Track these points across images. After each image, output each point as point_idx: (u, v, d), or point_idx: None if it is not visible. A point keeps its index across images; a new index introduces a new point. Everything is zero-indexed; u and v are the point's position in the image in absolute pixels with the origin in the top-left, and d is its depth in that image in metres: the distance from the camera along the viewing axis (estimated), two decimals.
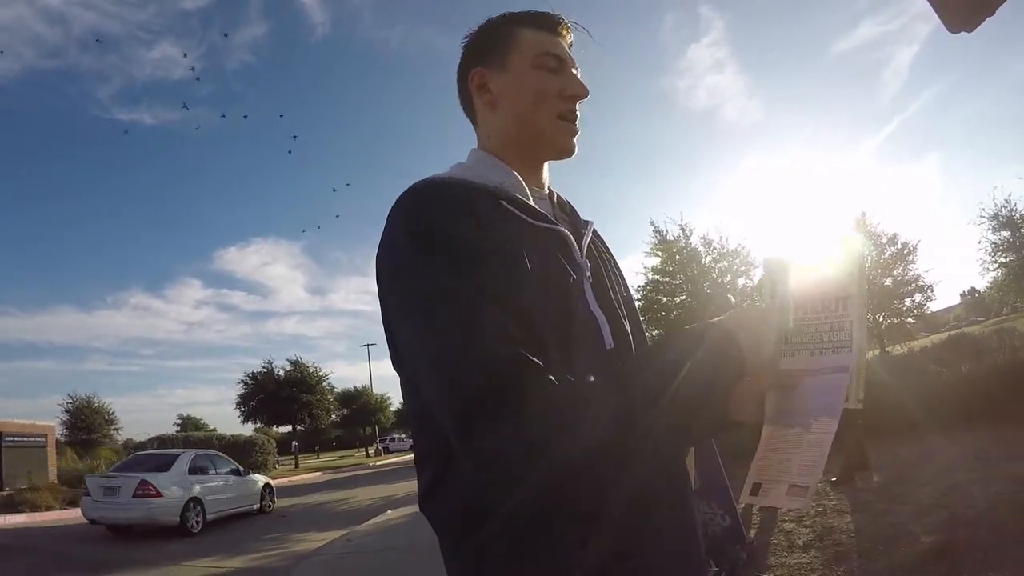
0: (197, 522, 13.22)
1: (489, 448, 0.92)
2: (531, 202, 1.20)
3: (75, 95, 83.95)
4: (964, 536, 4.79)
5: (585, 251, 1.24)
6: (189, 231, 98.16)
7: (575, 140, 1.27)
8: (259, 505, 16.42)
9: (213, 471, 15.06)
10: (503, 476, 0.94)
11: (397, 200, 1.12)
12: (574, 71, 1.26)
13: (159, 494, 12.60)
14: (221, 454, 17.37)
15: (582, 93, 1.24)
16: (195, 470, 14.25)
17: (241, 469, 16.59)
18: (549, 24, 1.28)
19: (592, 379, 0.98)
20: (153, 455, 15.80)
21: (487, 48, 1.29)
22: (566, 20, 1.30)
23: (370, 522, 11.61)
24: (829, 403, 0.97)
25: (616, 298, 1.27)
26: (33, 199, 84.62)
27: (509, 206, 1.15)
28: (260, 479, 17.28)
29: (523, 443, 0.90)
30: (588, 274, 1.20)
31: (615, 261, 1.42)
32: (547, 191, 1.34)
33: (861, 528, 5.63)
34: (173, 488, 13.04)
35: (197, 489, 13.65)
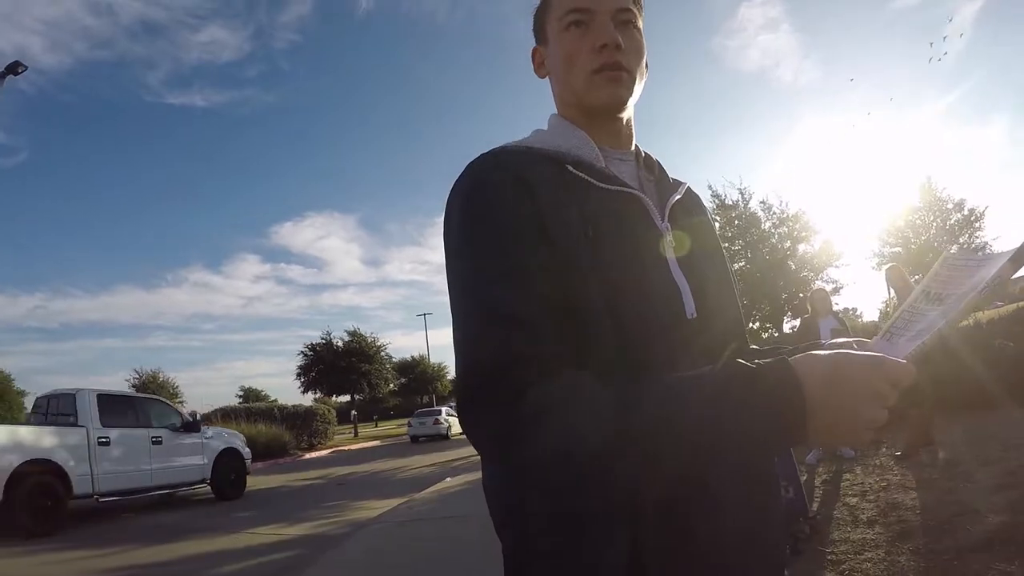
0: (449, 434, 30.39)
1: (474, 436, 0.95)
2: (601, 164, 1.16)
3: (127, 83, 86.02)
4: None
5: (667, 214, 1.18)
6: (245, 208, 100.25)
7: (620, 88, 1.19)
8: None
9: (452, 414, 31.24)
10: (494, 463, 1.00)
11: (460, 173, 1.13)
12: (606, 18, 1.17)
13: (441, 423, 31.01)
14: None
15: (608, 41, 1.15)
16: (446, 414, 31.99)
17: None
18: None
19: (600, 394, 0.89)
20: (431, 409, 35.35)
21: (536, 25, 1.31)
22: None
23: (429, 489, 11.79)
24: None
25: (707, 263, 1.21)
26: (93, 186, 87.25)
27: (575, 170, 1.12)
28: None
29: (502, 441, 0.91)
30: (669, 238, 1.15)
31: (709, 224, 1.34)
32: (633, 150, 1.29)
33: (926, 505, 5.52)
34: (444, 421, 31.04)
35: (448, 422, 30.99)
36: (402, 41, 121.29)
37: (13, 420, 28.18)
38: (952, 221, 25.62)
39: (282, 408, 29.41)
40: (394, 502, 11.09)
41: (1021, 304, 12.14)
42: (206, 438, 13.91)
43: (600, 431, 0.85)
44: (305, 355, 46.62)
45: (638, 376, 0.96)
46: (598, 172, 1.13)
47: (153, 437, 12.52)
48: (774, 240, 22.81)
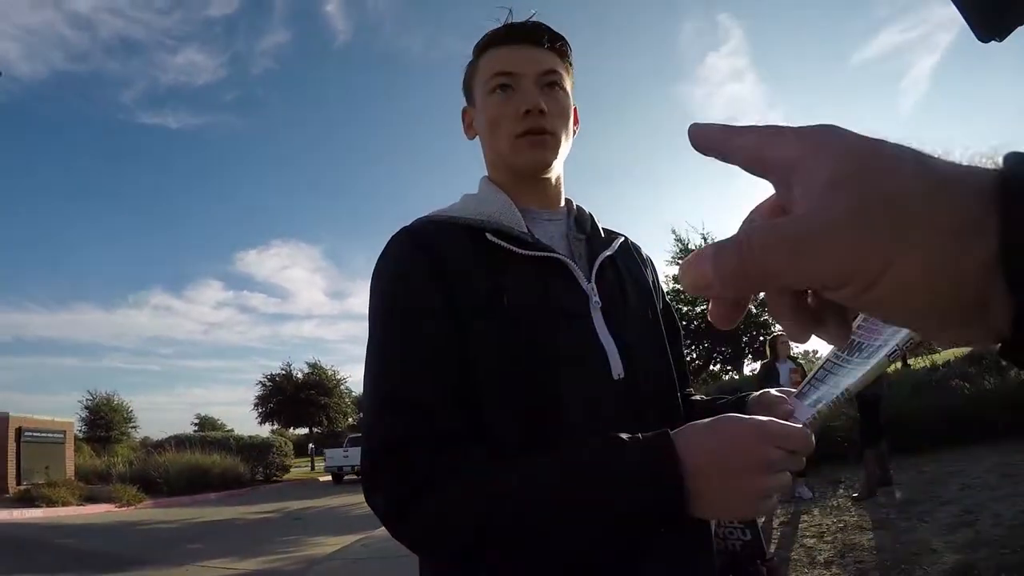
0: None
1: (377, 512, 1.01)
2: (523, 229, 1.16)
3: (100, 98, 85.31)
4: (988, 555, 4.71)
5: (594, 274, 1.18)
6: (210, 233, 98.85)
7: (545, 152, 1.20)
8: None
9: None
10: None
11: (383, 247, 1.17)
12: (530, 81, 1.20)
13: None
14: None
15: (531, 106, 1.17)
16: None
17: None
18: (500, 39, 1.24)
19: (480, 474, 0.95)
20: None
21: (465, 86, 1.34)
22: (519, 23, 1.24)
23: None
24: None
25: (637, 321, 1.20)
26: (58, 199, 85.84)
27: (495, 239, 1.12)
28: None
29: (387, 518, 0.99)
30: (596, 299, 1.15)
31: (646, 277, 1.34)
32: (562, 207, 1.30)
33: (883, 545, 5.55)
34: None
35: None
36: (377, 76, 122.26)
37: None
38: None
39: (238, 439, 28.98)
40: (350, 539, 10.88)
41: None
42: None
43: (471, 509, 0.90)
44: (264, 385, 45.98)
45: (560, 440, 1.00)
46: (518, 239, 1.14)
47: None
48: None
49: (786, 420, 0.88)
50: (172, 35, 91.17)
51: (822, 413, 0.90)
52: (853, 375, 0.86)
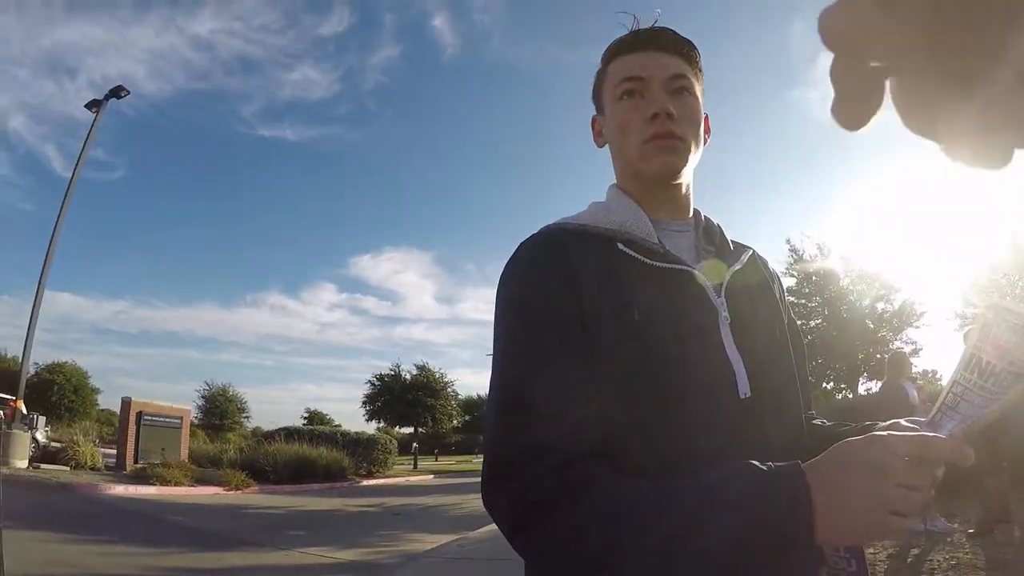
0: None
1: (496, 517, 0.99)
2: (654, 240, 1.14)
3: (222, 113, 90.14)
4: None
5: (724, 289, 1.14)
6: (326, 238, 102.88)
7: (673, 157, 1.16)
8: None
9: None
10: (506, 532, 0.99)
11: (514, 250, 1.16)
12: (658, 86, 1.17)
13: None
14: None
15: (658, 110, 1.14)
16: None
17: None
18: (628, 45, 1.23)
19: (608, 490, 0.91)
20: None
21: (594, 94, 1.32)
22: (645, 29, 1.23)
23: (482, 529, 11.56)
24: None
25: (765, 338, 1.16)
26: (184, 207, 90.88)
27: (627, 249, 1.11)
28: None
29: (508, 525, 0.96)
30: (725, 314, 1.12)
31: (774, 292, 1.30)
32: (691, 218, 1.27)
33: None
34: None
35: None
36: (487, 87, 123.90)
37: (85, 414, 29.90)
38: None
39: (345, 434, 29.52)
40: (446, 538, 10.98)
41: None
42: None
43: (597, 529, 0.87)
44: (372, 385, 46.93)
45: (684, 457, 0.98)
46: (650, 250, 1.13)
47: None
48: (852, 298, 22.22)
49: None
50: (287, 53, 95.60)
51: (965, 435, 0.83)
52: (990, 402, 0.81)
